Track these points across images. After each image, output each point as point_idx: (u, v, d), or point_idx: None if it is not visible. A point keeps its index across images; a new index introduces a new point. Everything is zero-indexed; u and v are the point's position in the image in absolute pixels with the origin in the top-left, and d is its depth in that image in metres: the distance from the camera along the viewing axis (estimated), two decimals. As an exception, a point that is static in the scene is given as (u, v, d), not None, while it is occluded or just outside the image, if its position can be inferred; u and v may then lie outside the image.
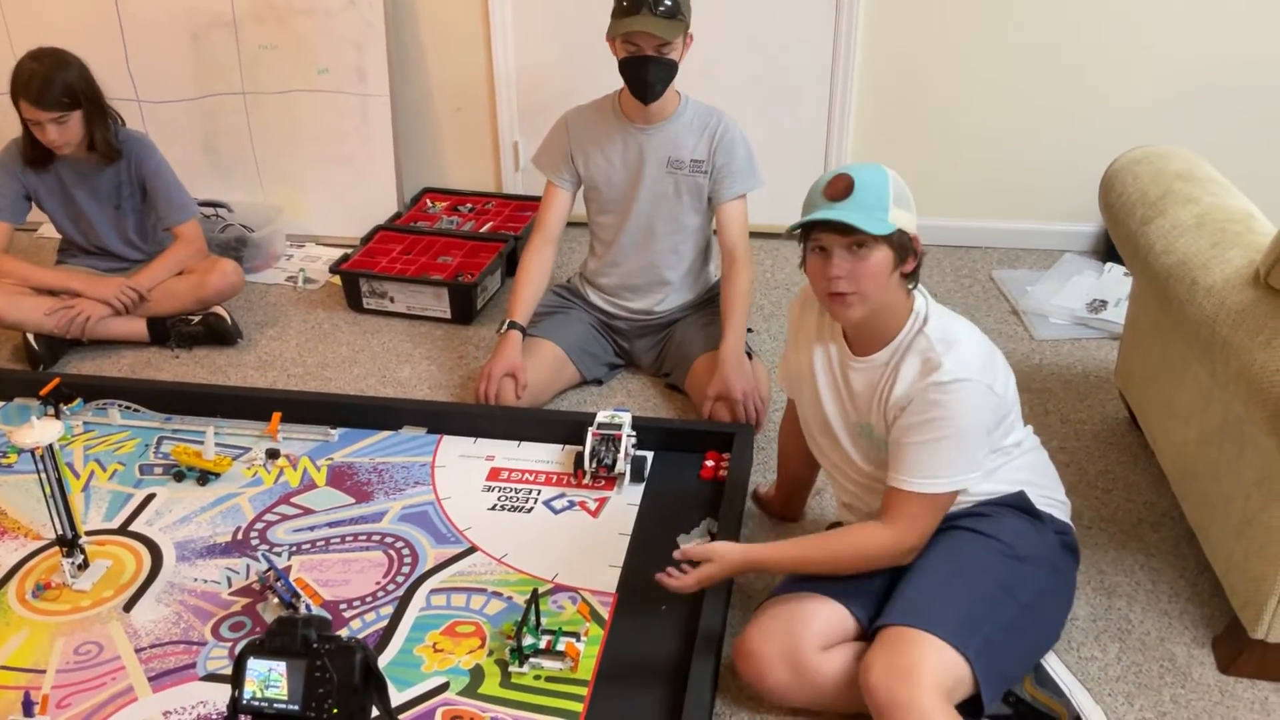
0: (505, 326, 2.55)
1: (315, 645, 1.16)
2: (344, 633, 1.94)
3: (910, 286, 1.70)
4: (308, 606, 1.96)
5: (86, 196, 2.85)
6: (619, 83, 2.49)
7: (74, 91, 2.67)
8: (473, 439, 2.47)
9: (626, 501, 2.27)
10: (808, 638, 1.71)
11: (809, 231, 1.67)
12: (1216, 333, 1.73)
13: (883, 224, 1.60)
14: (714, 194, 2.55)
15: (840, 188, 1.62)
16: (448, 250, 3.18)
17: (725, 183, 2.53)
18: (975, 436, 1.65)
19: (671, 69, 2.42)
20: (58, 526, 2.03)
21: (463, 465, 2.39)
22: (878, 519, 1.70)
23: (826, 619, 1.73)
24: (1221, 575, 1.91)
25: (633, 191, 2.56)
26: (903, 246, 1.64)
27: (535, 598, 1.91)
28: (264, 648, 1.19)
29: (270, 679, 1.16)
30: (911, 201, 1.66)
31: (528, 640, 1.87)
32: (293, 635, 1.17)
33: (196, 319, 2.90)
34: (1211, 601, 2.00)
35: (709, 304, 2.69)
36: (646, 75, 2.39)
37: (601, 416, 2.34)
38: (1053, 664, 1.74)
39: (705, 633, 1.84)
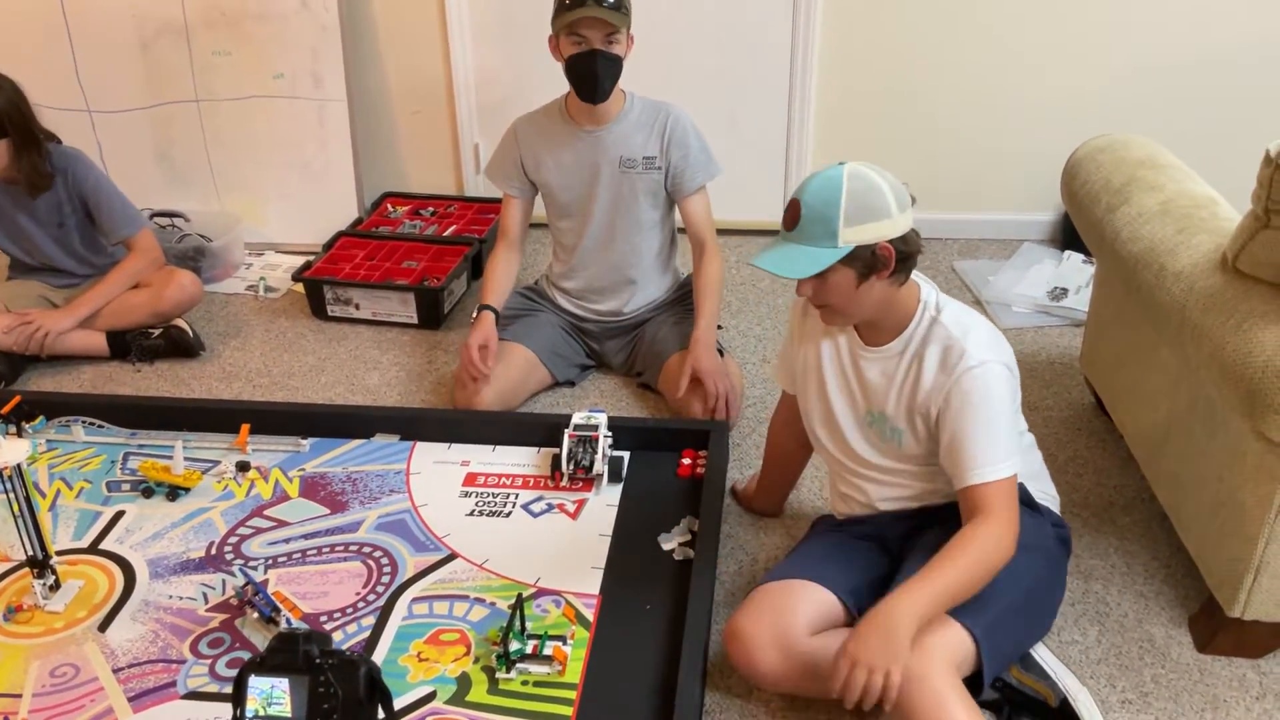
0: (477, 310, 2.53)
1: (318, 661, 1.14)
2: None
3: (900, 282, 1.68)
4: (288, 620, 1.93)
5: (25, 217, 2.78)
6: (575, 83, 2.48)
7: (1, 120, 2.60)
8: (446, 445, 2.45)
9: (605, 502, 2.27)
10: (797, 622, 1.72)
11: None
12: (1187, 318, 1.76)
13: (820, 256, 1.58)
14: (674, 190, 2.55)
15: (789, 218, 1.63)
16: (412, 255, 3.15)
17: (684, 177, 2.53)
18: (1010, 417, 1.67)
19: (618, 65, 2.41)
20: (27, 547, 1.98)
21: (438, 471, 2.37)
22: (967, 522, 1.62)
23: (816, 603, 1.74)
24: (1195, 556, 1.95)
25: (589, 195, 2.55)
26: (865, 260, 1.61)
27: (520, 603, 1.90)
28: (265, 665, 1.17)
29: (273, 696, 1.14)
30: (881, 207, 1.58)
31: (514, 645, 1.86)
32: (294, 651, 1.15)
33: (157, 332, 2.85)
34: (1185, 582, 2.04)
35: (679, 301, 2.69)
36: (595, 69, 2.37)
37: (577, 418, 2.33)
38: (1038, 649, 1.76)
39: (692, 630, 1.84)
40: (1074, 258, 3.19)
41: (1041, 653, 1.77)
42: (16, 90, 2.64)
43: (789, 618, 1.73)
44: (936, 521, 1.73)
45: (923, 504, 1.80)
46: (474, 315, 2.53)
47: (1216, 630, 1.87)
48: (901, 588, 1.56)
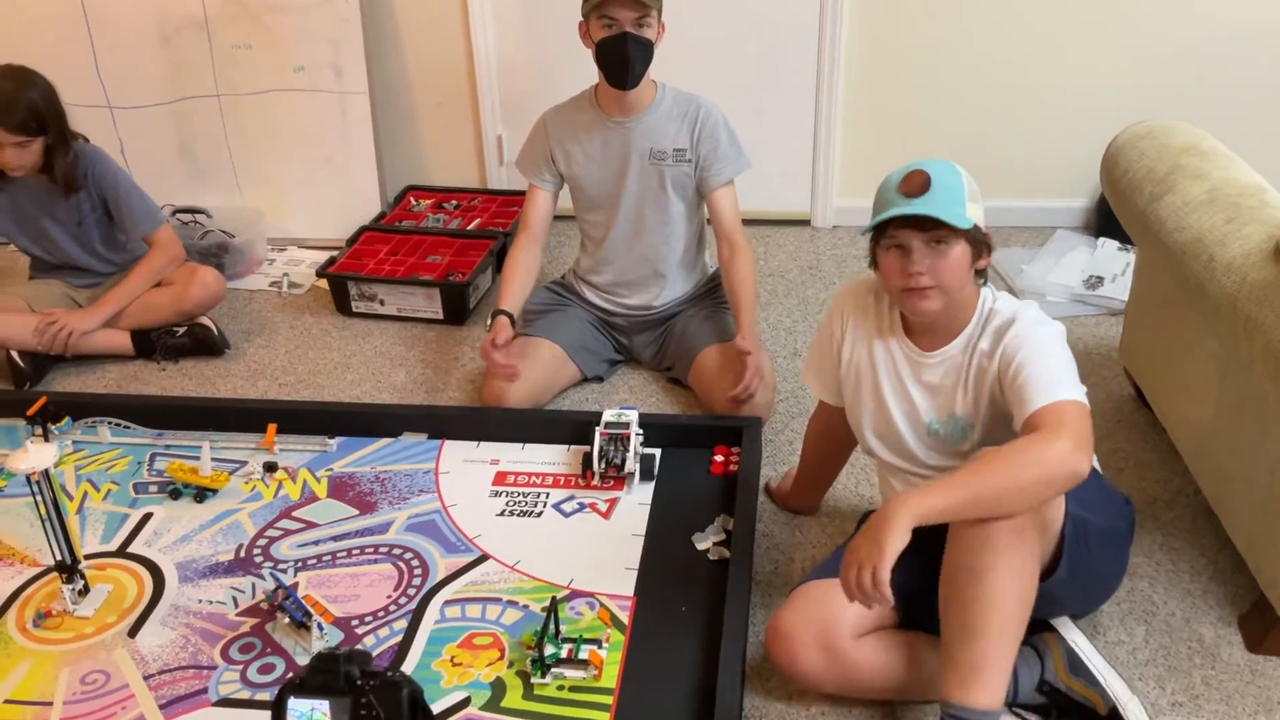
0: (492, 317, 2.46)
1: (359, 682, 1.11)
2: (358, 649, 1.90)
3: (980, 283, 1.69)
4: (319, 625, 1.91)
5: (45, 216, 2.76)
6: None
7: (41, 117, 2.58)
8: (475, 443, 2.42)
9: (638, 501, 2.23)
10: (843, 622, 1.68)
11: (882, 229, 1.66)
12: (1239, 310, 1.71)
13: (962, 219, 1.59)
14: (702, 183, 2.50)
15: (917, 184, 1.61)
16: (436, 249, 3.12)
17: (713, 170, 2.48)
18: (1070, 359, 1.62)
19: (649, 49, 2.36)
20: (56, 552, 1.96)
21: (467, 470, 2.34)
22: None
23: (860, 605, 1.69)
24: (1244, 552, 1.90)
25: (618, 187, 2.51)
26: (978, 242, 1.65)
27: (554, 606, 1.87)
28: (304, 687, 1.14)
29: (313, 719, 1.12)
30: (980, 198, 1.66)
31: (549, 650, 1.83)
32: (335, 673, 1.12)
33: (182, 330, 2.83)
34: (1234, 579, 1.99)
35: (709, 295, 2.65)
36: (626, 52, 2.32)
37: (608, 415, 2.29)
38: (1085, 650, 1.72)
39: (730, 631, 1.80)
40: (1109, 245, 3.13)
41: (1091, 655, 1.73)
42: (51, 88, 2.62)
43: (834, 617, 1.69)
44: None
45: None
46: (489, 321, 2.49)
47: (1269, 629, 1.82)
48: (921, 487, 1.52)
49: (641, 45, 2.34)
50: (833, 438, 2.04)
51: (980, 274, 1.69)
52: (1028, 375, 1.58)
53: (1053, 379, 1.57)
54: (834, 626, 1.69)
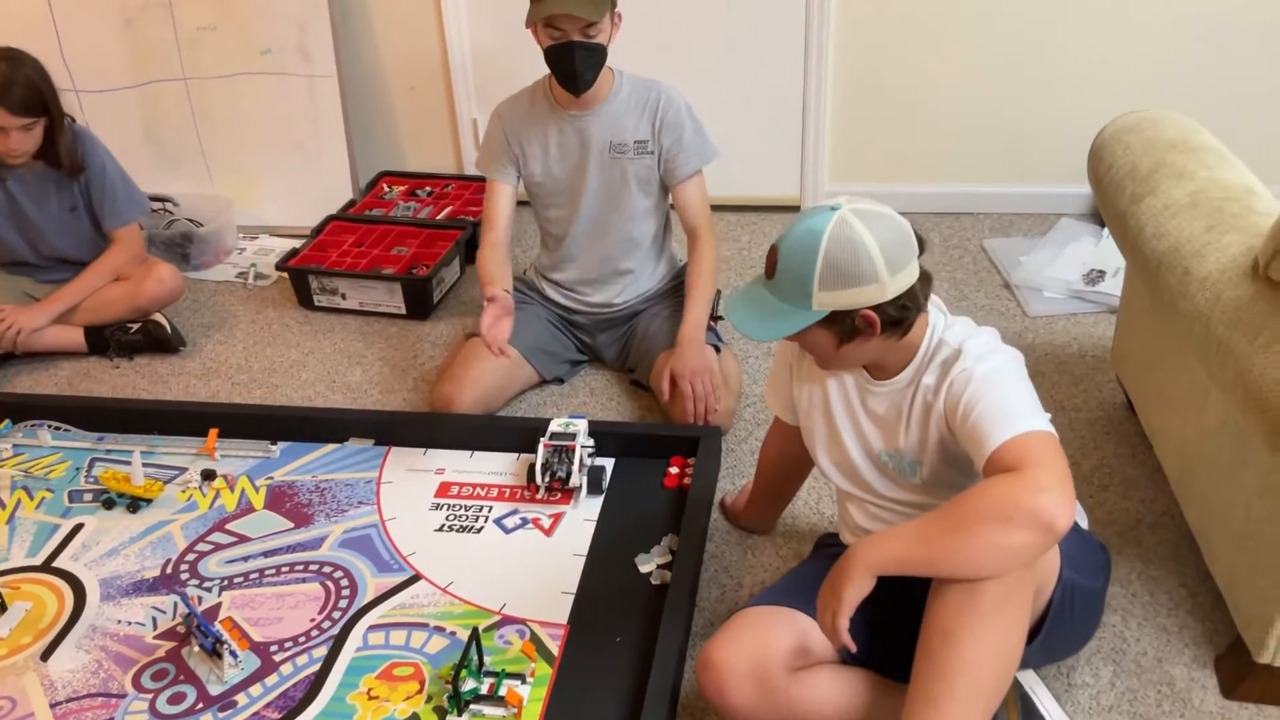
0: (489, 301, 2.29)
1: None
2: (273, 679, 1.81)
3: (898, 336, 1.51)
4: (233, 653, 1.82)
5: (39, 208, 2.66)
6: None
7: (41, 95, 2.48)
8: (423, 450, 2.32)
9: (583, 517, 2.12)
10: (778, 655, 1.55)
11: None
12: (1211, 331, 1.54)
13: (793, 316, 1.46)
14: (667, 176, 2.36)
15: (768, 264, 1.50)
16: (403, 240, 3.00)
17: (677, 162, 2.34)
18: (1029, 387, 1.47)
19: (600, 54, 2.22)
20: (-33, 571, 1.89)
21: (410, 481, 2.24)
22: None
23: (800, 635, 1.57)
24: (1224, 589, 1.74)
25: (577, 183, 2.37)
26: (844, 325, 1.47)
27: (476, 636, 1.76)
28: None
29: None
30: (862, 273, 1.42)
31: (468, 685, 1.72)
32: None
33: (135, 327, 2.74)
34: (1214, 615, 1.84)
35: (674, 291, 2.51)
36: (574, 64, 2.19)
37: (554, 425, 2.17)
38: (1041, 697, 1.58)
39: (660, 667, 1.69)
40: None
41: (1046, 702, 1.59)
42: (41, 65, 2.52)
43: (769, 648, 1.56)
44: None
45: None
46: (487, 300, 2.31)
47: (1244, 674, 1.67)
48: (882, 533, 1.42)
49: (590, 52, 2.19)
50: (790, 456, 1.91)
51: (893, 332, 1.49)
52: (981, 411, 1.42)
53: (1010, 410, 1.41)
54: (770, 658, 1.55)
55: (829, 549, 1.81)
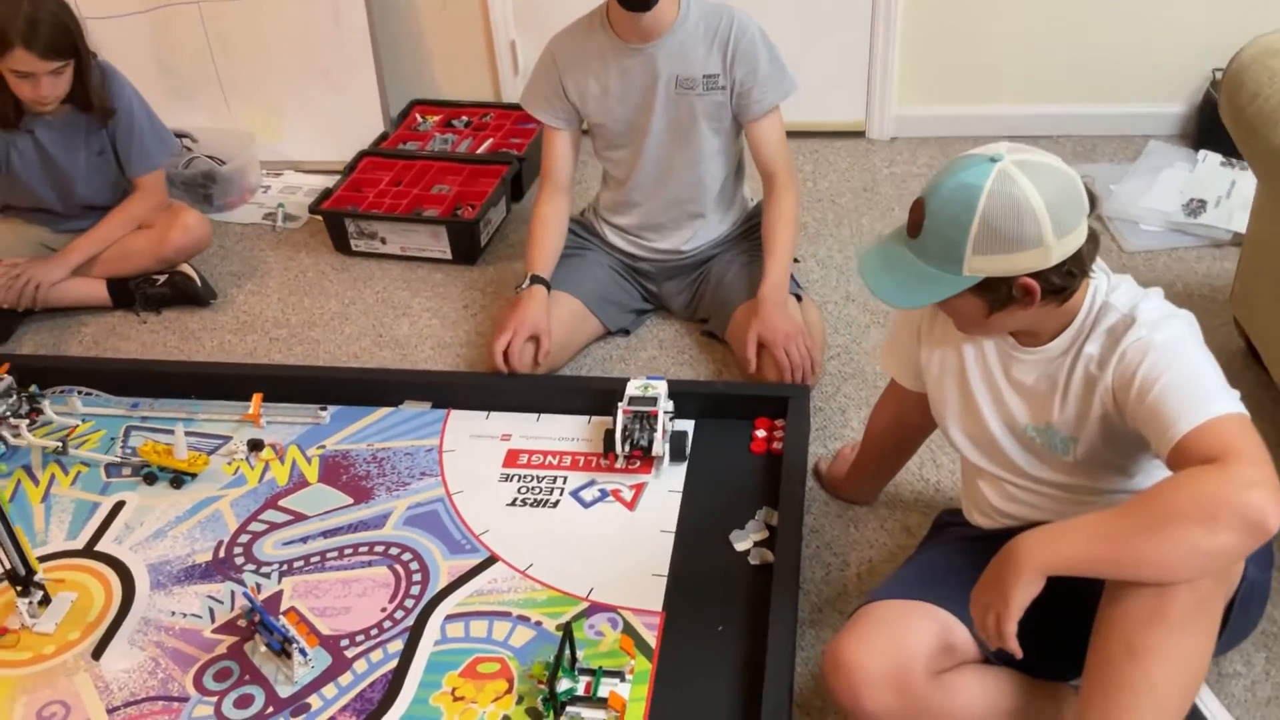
0: (527, 282, 2.18)
1: None
2: (346, 677, 1.66)
3: (1058, 303, 1.33)
4: (302, 651, 1.67)
5: (65, 154, 2.43)
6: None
7: (70, 35, 2.24)
8: (484, 414, 2.14)
9: (667, 488, 1.95)
10: (919, 657, 1.39)
11: None
12: None
13: (940, 283, 1.29)
14: (741, 112, 2.14)
15: (912, 220, 1.31)
16: (443, 177, 2.78)
17: (752, 98, 2.11)
18: (1213, 361, 1.29)
19: None
20: (5, 563, 1.73)
21: (475, 449, 2.07)
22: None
23: (941, 633, 1.41)
24: (1390, 567, 1.58)
25: (641, 123, 2.15)
26: (999, 293, 1.30)
27: (569, 633, 1.61)
28: None
29: None
30: (1025, 236, 1.24)
31: (563, 685, 1.58)
32: None
33: (162, 279, 2.54)
34: (1373, 593, 1.68)
35: (747, 236, 2.31)
36: None
37: (632, 388, 1.99)
38: (1207, 700, 1.44)
39: (775, 669, 1.54)
40: (1211, 160, 2.72)
41: (1206, 699, 1.45)
42: (64, 2, 2.27)
43: (908, 649, 1.40)
44: None
45: None
46: (520, 286, 2.18)
47: None
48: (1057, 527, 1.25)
49: None
50: (907, 424, 1.74)
51: (1053, 299, 1.31)
52: (1163, 389, 1.24)
53: (1199, 389, 1.24)
54: (910, 661, 1.39)
55: (953, 529, 1.65)
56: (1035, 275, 1.27)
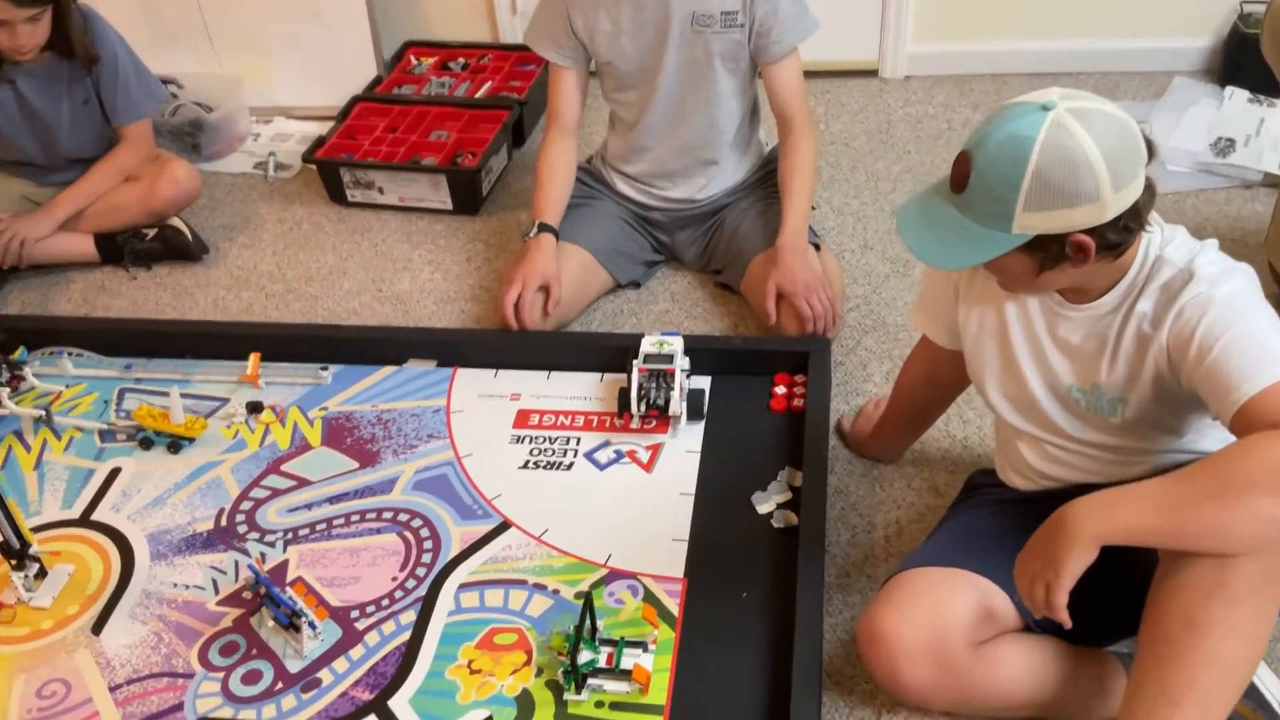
0: (535, 230, 2.09)
1: None
2: (358, 651, 1.60)
3: (1111, 259, 1.25)
4: (311, 624, 1.60)
5: (48, 104, 2.32)
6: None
7: None
8: (493, 372, 2.06)
9: (685, 448, 1.88)
10: (958, 628, 1.34)
11: None
12: None
13: (987, 241, 1.21)
14: (759, 53, 2.03)
15: (956, 174, 1.23)
16: (441, 123, 2.67)
17: (771, 38, 2.00)
18: (1273, 314, 1.22)
19: None
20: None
21: (484, 409, 1.99)
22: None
23: (981, 602, 1.36)
24: None
25: (654, 62, 2.04)
26: (1051, 252, 1.22)
27: (589, 603, 1.55)
28: None
29: None
30: (1082, 190, 1.16)
31: (584, 656, 1.51)
32: None
33: (152, 233, 2.44)
34: None
35: (763, 183, 2.21)
36: None
37: (647, 345, 1.91)
38: (1264, 677, 1.38)
39: (804, 640, 1.49)
40: (1238, 96, 2.62)
41: (1269, 681, 1.39)
42: None
43: (947, 620, 1.34)
44: None
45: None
46: (528, 234, 2.08)
47: None
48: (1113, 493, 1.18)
49: None
50: (938, 383, 1.66)
51: (1107, 254, 1.23)
52: (1225, 348, 1.17)
53: (1265, 349, 1.16)
54: (949, 633, 1.34)
55: (988, 491, 1.58)
56: (1089, 231, 1.20)
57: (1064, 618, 1.20)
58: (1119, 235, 1.21)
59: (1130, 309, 1.29)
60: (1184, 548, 1.17)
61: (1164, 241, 1.28)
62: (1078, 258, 1.22)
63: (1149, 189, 1.23)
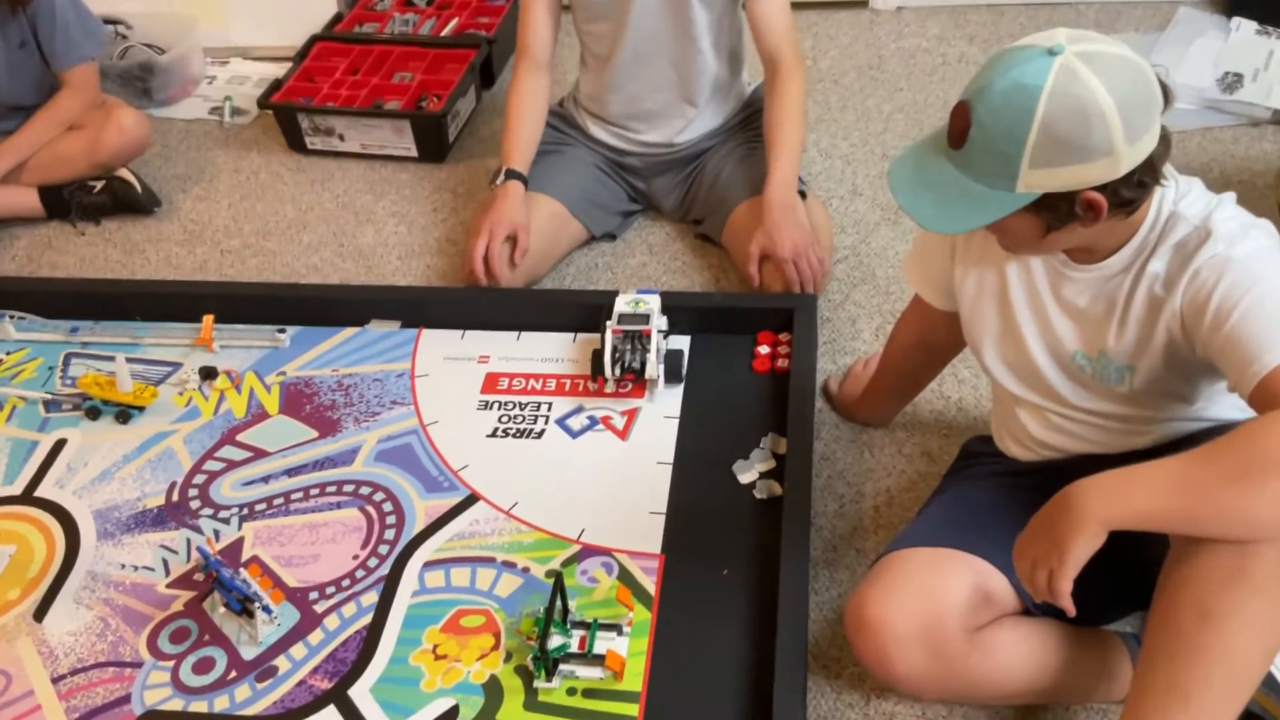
0: (501, 177, 1.97)
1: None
2: (316, 636, 1.51)
3: (1122, 217, 1.14)
4: (266, 609, 1.51)
5: None
6: None
7: None
8: (459, 333, 1.95)
9: (663, 413, 1.77)
10: (953, 613, 1.25)
11: None
12: None
13: (989, 202, 1.10)
14: None
15: (955, 128, 1.11)
16: (405, 64, 2.52)
17: None
18: None
19: None
20: (-68, 519, 1.56)
21: (450, 372, 1.88)
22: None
23: (977, 584, 1.27)
24: None
25: None
26: (1059, 211, 1.11)
27: (560, 584, 1.45)
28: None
29: None
30: (1093, 143, 1.05)
31: (555, 641, 1.42)
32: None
33: (99, 186, 2.31)
34: None
35: (746, 125, 2.08)
36: None
37: (621, 304, 1.80)
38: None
39: (788, 605, 1.41)
40: (1246, 28, 2.49)
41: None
42: None
43: (941, 606, 1.25)
44: None
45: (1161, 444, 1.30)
46: (495, 181, 1.96)
47: None
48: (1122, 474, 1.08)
49: None
50: (931, 345, 1.56)
51: (1120, 211, 1.12)
52: (1244, 314, 1.07)
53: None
54: (944, 619, 1.24)
55: (984, 461, 1.48)
56: (1101, 188, 1.09)
57: (1068, 605, 1.10)
58: (1133, 192, 1.11)
59: (1141, 270, 1.18)
60: (1202, 534, 1.08)
61: (1178, 196, 1.18)
62: (1088, 217, 1.11)
63: (1164, 139, 1.11)
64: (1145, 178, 1.10)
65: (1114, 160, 1.06)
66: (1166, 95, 1.10)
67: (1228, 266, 1.11)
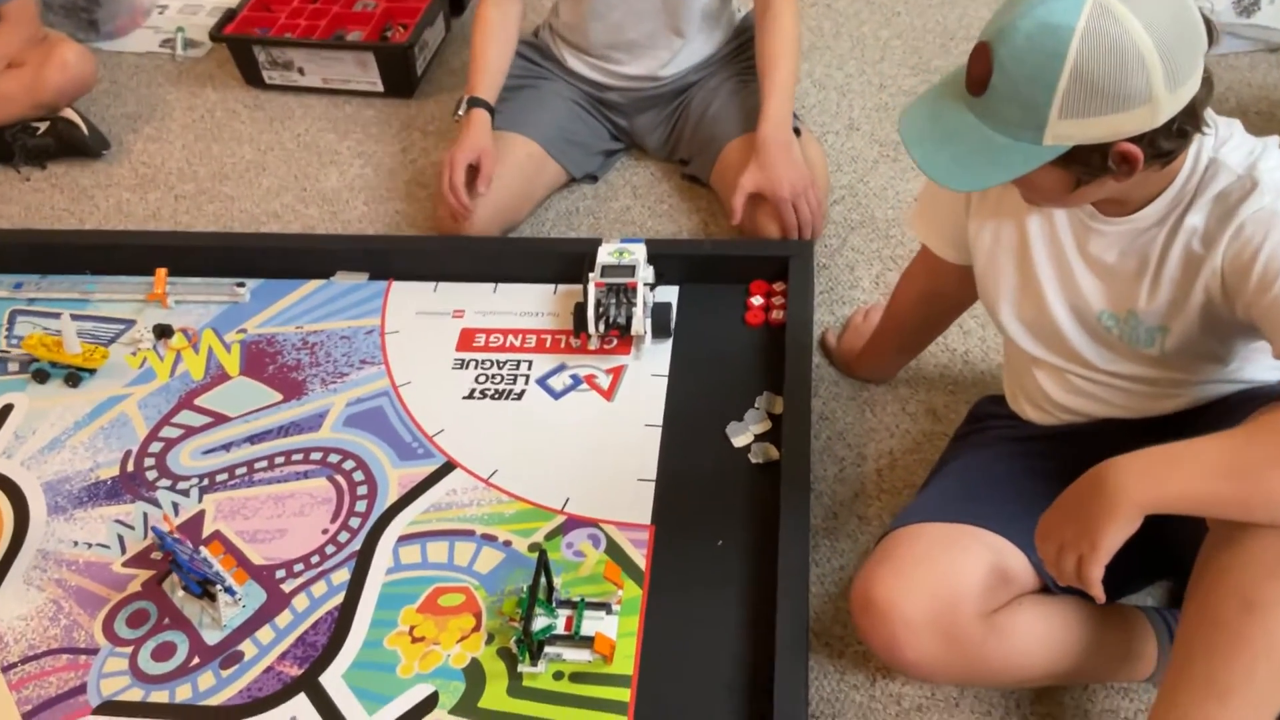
0: (464, 106, 1.84)
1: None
2: (284, 618, 1.41)
3: (1159, 167, 1.03)
4: (229, 590, 1.41)
5: None
6: None
7: None
8: (432, 285, 1.83)
9: (650, 371, 1.67)
10: (968, 596, 1.16)
11: None
12: None
13: (1013, 156, 0.99)
14: None
15: (975, 74, 1.00)
16: (368, -9, 2.36)
17: None
18: None
19: None
20: None
21: (422, 328, 1.76)
22: None
23: (994, 562, 1.18)
24: None
25: None
26: (1090, 164, 1.00)
27: (544, 560, 1.36)
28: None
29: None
30: (1131, 90, 0.94)
31: (540, 623, 1.33)
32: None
33: (43, 128, 2.15)
34: None
35: (735, 57, 1.95)
36: None
37: (604, 255, 1.68)
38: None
39: (788, 580, 1.32)
40: (1263, -55, 2.35)
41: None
42: None
43: (955, 588, 1.16)
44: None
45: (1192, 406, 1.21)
46: (459, 112, 1.82)
47: None
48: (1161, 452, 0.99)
49: None
50: (939, 299, 1.45)
51: (1156, 162, 1.01)
52: None
53: None
54: (958, 602, 1.16)
55: (997, 425, 1.38)
56: (1138, 139, 0.97)
57: (1099, 593, 1.01)
58: (1172, 142, 0.99)
59: (1178, 223, 1.08)
60: (1250, 519, 0.98)
61: (1219, 142, 1.07)
62: (1122, 170, 1.00)
63: (1207, 82, 1.00)
64: (1186, 125, 0.99)
65: (1153, 108, 0.95)
66: (1211, 33, 0.99)
67: (1275, 221, 1.01)
